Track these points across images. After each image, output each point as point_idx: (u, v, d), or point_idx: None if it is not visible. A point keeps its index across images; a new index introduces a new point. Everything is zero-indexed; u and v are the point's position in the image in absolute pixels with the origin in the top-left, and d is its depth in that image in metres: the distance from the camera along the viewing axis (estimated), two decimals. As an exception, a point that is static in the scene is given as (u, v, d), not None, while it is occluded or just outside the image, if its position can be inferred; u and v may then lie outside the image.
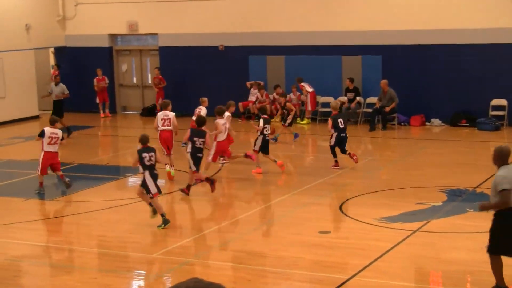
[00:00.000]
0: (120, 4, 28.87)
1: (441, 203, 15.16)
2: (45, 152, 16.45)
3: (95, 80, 28.51)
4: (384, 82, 24.42)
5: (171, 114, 17.77)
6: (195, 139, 15.94)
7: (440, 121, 24.86)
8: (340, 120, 18.35)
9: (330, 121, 18.41)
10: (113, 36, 29.75)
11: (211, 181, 16.07)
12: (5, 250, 13.15)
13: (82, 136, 25.09)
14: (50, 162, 16.61)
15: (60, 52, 30.10)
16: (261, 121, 18.36)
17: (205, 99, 20.37)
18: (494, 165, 10.28)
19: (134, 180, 18.34)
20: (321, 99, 26.08)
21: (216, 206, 15.87)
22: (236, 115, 26.59)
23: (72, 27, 29.80)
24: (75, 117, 28.20)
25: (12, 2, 27.71)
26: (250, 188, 16.94)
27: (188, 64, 28.03)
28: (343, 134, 18.34)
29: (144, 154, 13.85)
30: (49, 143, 16.62)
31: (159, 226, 13.79)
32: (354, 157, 18.33)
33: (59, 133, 16.86)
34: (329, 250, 12.47)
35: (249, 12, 26.94)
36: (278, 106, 26.24)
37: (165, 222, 13.84)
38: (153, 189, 13.87)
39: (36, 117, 28.52)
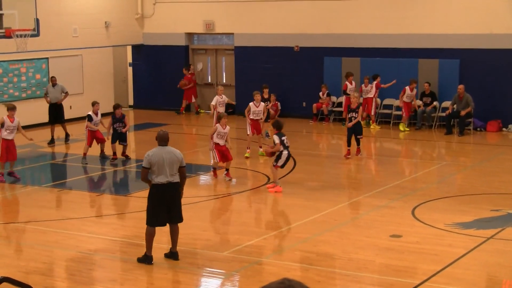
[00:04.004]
0: (197, 4, 29.13)
1: (516, 211, 14.87)
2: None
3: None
4: (462, 87, 23.95)
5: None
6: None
7: (517, 127, 24.38)
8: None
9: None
10: (189, 35, 30.04)
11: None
12: (79, 243, 13.41)
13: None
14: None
15: (137, 50, 30.52)
16: (275, 137, 16.47)
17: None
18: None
19: (206, 178, 18.50)
20: (394, 102, 25.81)
21: (288, 207, 15.85)
22: (309, 116, 26.65)
23: (150, 25, 30.20)
24: (147, 114, 28.55)
25: (93, 0, 28.23)
26: (322, 190, 16.88)
27: (262, 64, 28.10)
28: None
29: None
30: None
31: None
32: None
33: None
34: (400, 254, 12.35)
35: (325, 13, 26.84)
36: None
37: None
38: None
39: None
